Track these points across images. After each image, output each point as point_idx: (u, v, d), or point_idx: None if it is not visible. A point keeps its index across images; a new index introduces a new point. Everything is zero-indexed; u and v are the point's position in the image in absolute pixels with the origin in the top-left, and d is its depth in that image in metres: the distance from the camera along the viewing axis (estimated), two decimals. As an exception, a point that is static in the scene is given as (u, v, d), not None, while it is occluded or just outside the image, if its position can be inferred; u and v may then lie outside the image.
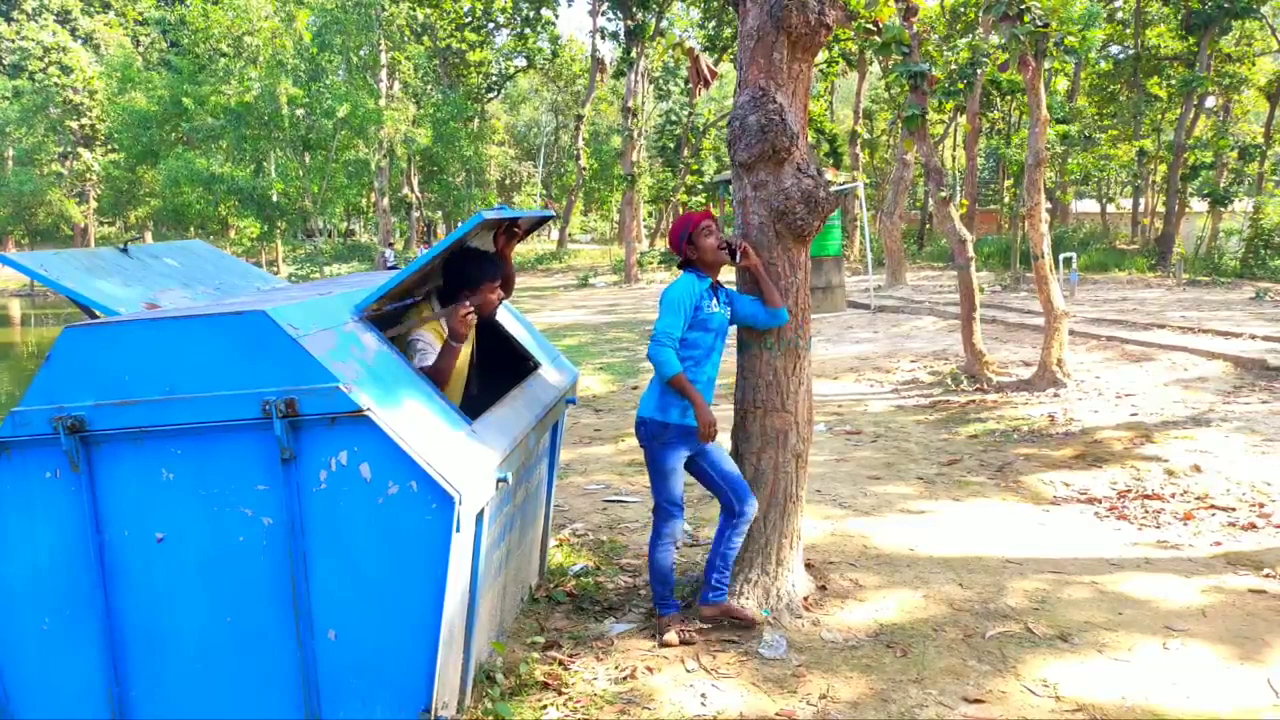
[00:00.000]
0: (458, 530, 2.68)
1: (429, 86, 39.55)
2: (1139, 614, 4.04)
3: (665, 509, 3.87)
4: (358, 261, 37.26)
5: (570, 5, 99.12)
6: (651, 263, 32.63)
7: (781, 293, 4.00)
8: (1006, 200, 28.43)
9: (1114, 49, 28.95)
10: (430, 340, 3.44)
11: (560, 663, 3.68)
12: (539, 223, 4.25)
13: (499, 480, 3.02)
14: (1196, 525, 5.20)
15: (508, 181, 58.06)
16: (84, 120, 43.44)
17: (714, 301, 3.87)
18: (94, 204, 44.86)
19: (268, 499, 2.71)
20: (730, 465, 3.96)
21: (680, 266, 3.97)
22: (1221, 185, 23.16)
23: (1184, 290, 16.95)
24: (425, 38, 37.77)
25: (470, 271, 3.58)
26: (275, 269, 34.07)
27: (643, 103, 33.91)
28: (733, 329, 4.08)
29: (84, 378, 2.70)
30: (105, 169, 40.69)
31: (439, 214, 46.40)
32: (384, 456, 2.64)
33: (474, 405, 3.83)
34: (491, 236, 3.91)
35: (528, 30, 39.64)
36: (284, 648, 2.77)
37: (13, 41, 43.50)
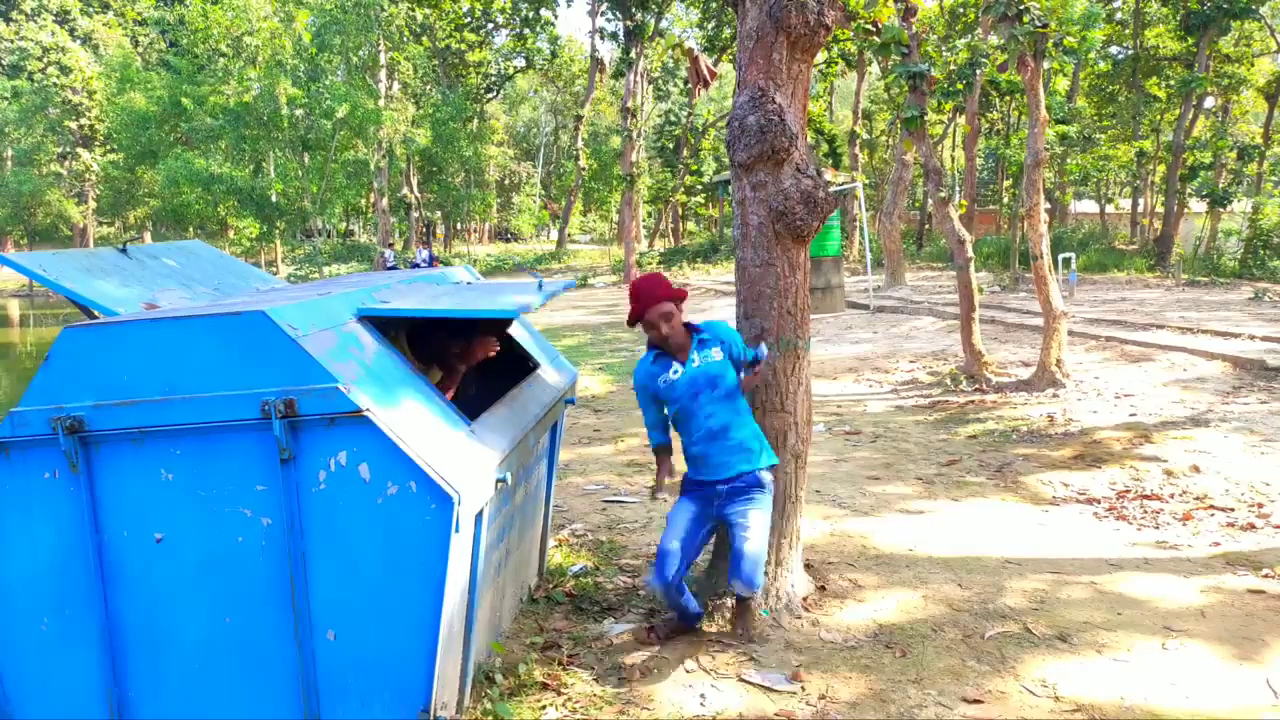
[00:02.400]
0: (457, 530, 2.68)
1: (428, 87, 39.54)
2: (1138, 614, 4.04)
3: (658, 552, 3.72)
4: (357, 262, 37.26)
5: (569, 5, 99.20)
6: (651, 263, 32.62)
7: (780, 293, 4.01)
8: (1005, 201, 28.46)
9: (1113, 49, 28.99)
10: None
11: (559, 663, 3.68)
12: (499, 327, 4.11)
13: (498, 480, 3.02)
14: (1195, 525, 5.21)
15: (507, 182, 58.07)
16: (83, 120, 43.42)
17: (671, 370, 3.75)
18: (93, 204, 44.85)
19: (267, 499, 2.71)
20: (751, 543, 3.62)
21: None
22: (1220, 186, 23.18)
23: (1183, 291, 16.96)
24: (424, 38, 37.76)
25: (435, 348, 3.76)
26: (274, 269, 34.08)
27: (642, 103, 33.92)
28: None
29: (83, 378, 2.70)
30: (104, 169, 40.68)
31: (438, 214, 46.41)
32: (383, 457, 2.64)
33: (474, 405, 3.83)
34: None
35: (527, 31, 39.68)
36: (283, 648, 2.77)
37: (11, 42, 43.47)
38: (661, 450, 3.95)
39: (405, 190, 37.77)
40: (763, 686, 3.46)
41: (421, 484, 2.64)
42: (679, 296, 3.77)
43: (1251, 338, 10.26)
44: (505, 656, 3.68)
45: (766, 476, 3.77)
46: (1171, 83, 24.82)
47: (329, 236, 41.52)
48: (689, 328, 3.81)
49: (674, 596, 3.71)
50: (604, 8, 31.82)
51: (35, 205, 43.02)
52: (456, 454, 2.81)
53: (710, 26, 33.28)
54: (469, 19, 39.61)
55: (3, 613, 2.83)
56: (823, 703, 3.36)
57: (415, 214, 38.71)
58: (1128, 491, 5.84)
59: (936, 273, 24.96)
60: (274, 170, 30.26)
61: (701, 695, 3.43)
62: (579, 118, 39.21)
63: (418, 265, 23.04)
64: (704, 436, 3.71)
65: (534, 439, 3.70)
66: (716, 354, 3.75)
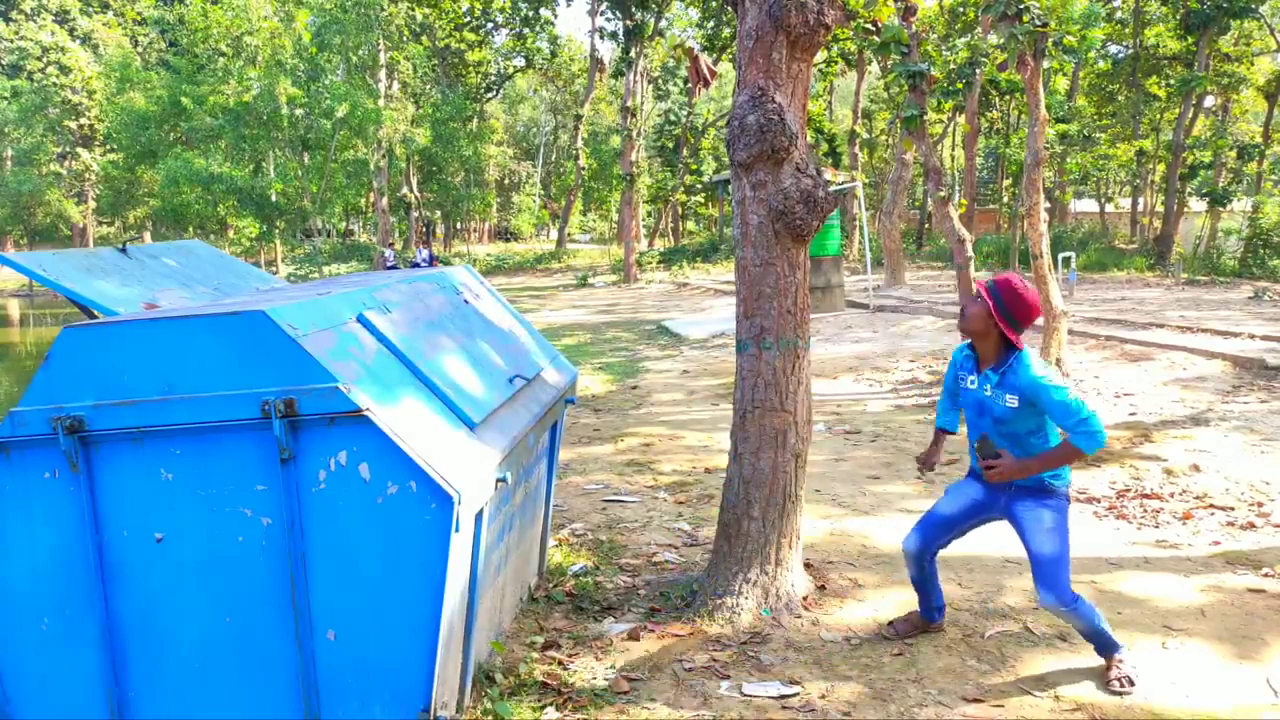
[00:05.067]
0: (457, 530, 2.68)
1: (428, 86, 39.52)
2: (1138, 613, 4.04)
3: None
4: (357, 261, 37.24)
5: (569, 5, 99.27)
6: (650, 262, 32.61)
7: (780, 292, 4.00)
8: (1005, 200, 28.48)
9: (1113, 48, 28.99)
10: None
11: (559, 662, 3.68)
12: None
13: (498, 480, 3.02)
14: (1195, 524, 5.21)
15: (507, 181, 58.07)
16: (82, 120, 43.42)
17: (973, 377, 3.51)
18: (92, 204, 44.83)
19: (267, 499, 2.71)
20: (1036, 544, 3.38)
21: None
22: (1220, 185, 23.19)
23: (1182, 290, 16.96)
24: (424, 37, 37.76)
25: None
26: (274, 269, 34.06)
27: (641, 102, 33.92)
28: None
29: (83, 378, 2.70)
30: (104, 169, 40.64)
31: (438, 214, 46.39)
32: (383, 456, 2.64)
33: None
34: None
35: (526, 30, 39.67)
36: (283, 648, 2.77)
37: (11, 41, 43.46)
38: (939, 432, 3.88)
39: (405, 190, 37.77)
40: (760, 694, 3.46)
41: (421, 483, 2.64)
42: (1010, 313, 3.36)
43: (1251, 337, 10.26)
44: (505, 656, 3.68)
45: (1052, 485, 3.41)
46: (1171, 82, 24.81)
47: (329, 236, 41.53)
48: (1012, 352, 3.39)
49: (914, 569, 3.74)
50: (604, 7, 31.81)
51: (35, 205, 43.01)
52: (456, 453, 2.81)
53: (710, 26, 33.25)
54: (468, 18, 39.60)
55: (3, 612, 2.83)
56: (823, 702, 3.36)
57: (415, 213, 38.71)
58: (1128, 490, 5.84)
59: (936, 272, 24.96)
60: (274, 170, 30.25)
61: (702, 695, 3.43)
62: (579, 117, 39.20)
63: (418, 265, 23.02)
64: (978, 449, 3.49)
65: (534, 438, 3.70)
66: (1010, 400, 3.35)
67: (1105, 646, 3.47)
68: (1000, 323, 3.37)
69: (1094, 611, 3.42)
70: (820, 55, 23.09)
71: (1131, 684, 3.38)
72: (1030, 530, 3.41)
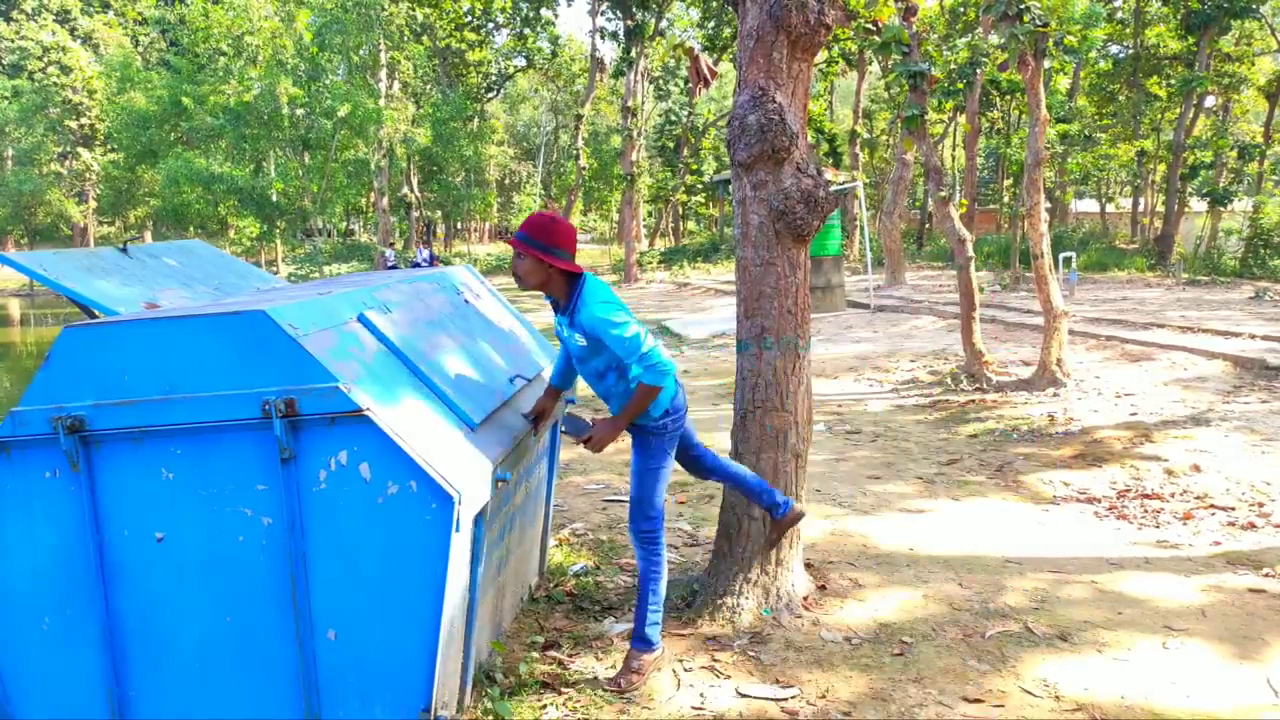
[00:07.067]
0: (457, 530, 2.68)
1: (428, 86, 39.52)
2: (1138, 613, 4.04)
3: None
4: (357, 261, 37.22)
5: (570, 5, 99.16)
6: (651, 262, 32.61)
7: (781, 292, 4.01)
8: (1006, 200, 28.46)
9: (1114, 48, 28.97)
10: None
11: (560, 662, 3.68)
12: None
13: (499, 480, 3.02)
14: (1196, 525, 5.20)
15: (507, 181, 58.07)
16: (83, 120, 43.39)
17: (557, 322, 3.53)
18: (93, 204, 44.82)
19: (267, 499, 2.71)
20: (631, 483, 3.70)
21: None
22: (1221, 185, 23.18)
23: (1183, 290, 16.95)
24: (424, 37, 37.76)
25: None
26: (275, 269, 34.06)
27: (642, 102, 33.90)
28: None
29: (83, 377, 2.70)
30: (105, 169, 40.66)
31: (439, 214, 46.39)
32: (383, 456, 2.64)
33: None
34: None
35: (527, 30, 39.65)
36: (284, 648, 2.77)
37: (12, 41, 43.45)
38: (549, 388, 3.73)
39: (405, 190, 37.77)
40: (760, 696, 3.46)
41: (422, 483, 2.64)
42: (544, 245, 3.28)
43: (1252, 337, 10.25)
44: (506, 656, 3.68)
45: (639, 424, 3.52)
46: (1172, 82, 24.81)
47: (329, 236, 41.45)
48: (576, 289, 3.36)
49: None
50: (604, 7, 31.79)
51: (36, 205, 42.99)
52: (457, 453, 2.81)
53: (711, 26, 33.22)
54: (469, 18, 39.60)
55: (4, 612, 2.83)
56: (823, 702, 3.36)
57: (415, 213, 38.70)
58: (1128, 491, 5.84)
59: (937, 272, 24.95)
60: (274, 170, 30.27)
61: (701, 694, 3.43)
62: (579, 117, 39.11)
63: (418, 265, 23.01)
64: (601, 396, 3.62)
65: (534, 438, 3.70)
66: (580, 339, 3.36)
67: (640, 616, 3.54)
68: (548, 260, 3.28)
69: (655, 570, 3.54)
70: (821, 55, 23.07)
71: (622, 691, 3.39)
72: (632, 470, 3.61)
